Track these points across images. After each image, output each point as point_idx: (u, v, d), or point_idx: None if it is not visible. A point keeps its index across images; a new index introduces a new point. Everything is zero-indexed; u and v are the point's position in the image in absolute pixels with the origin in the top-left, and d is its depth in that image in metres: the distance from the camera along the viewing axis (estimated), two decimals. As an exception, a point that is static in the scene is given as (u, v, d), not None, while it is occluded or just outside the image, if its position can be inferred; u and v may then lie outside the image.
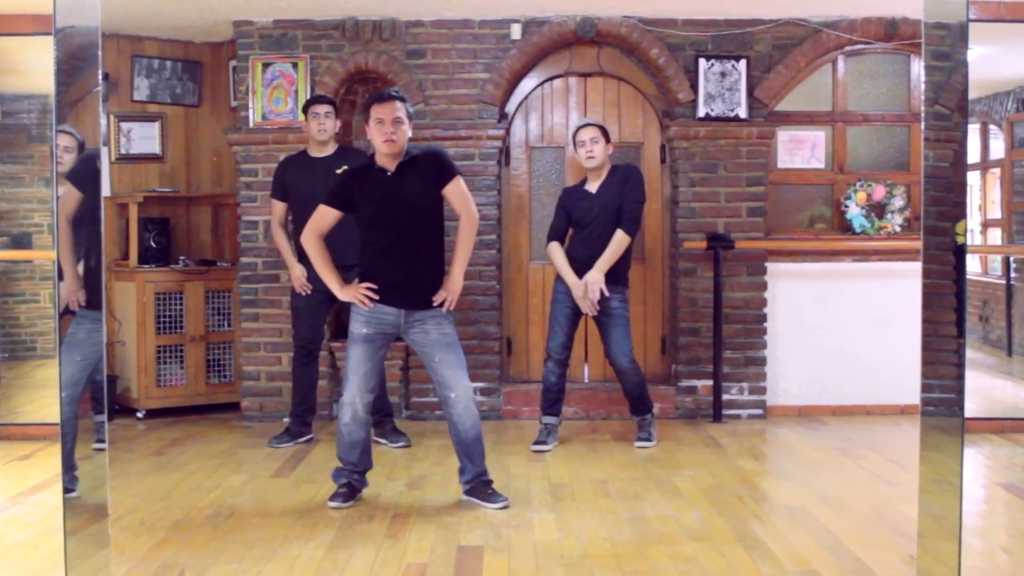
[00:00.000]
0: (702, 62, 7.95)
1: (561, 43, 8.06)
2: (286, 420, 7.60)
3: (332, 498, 5.66)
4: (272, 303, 7.95)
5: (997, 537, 5.30)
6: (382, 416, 7.14)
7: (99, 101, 3.77)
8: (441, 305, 5.62)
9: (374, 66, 7.95)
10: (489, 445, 5.92)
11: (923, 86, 3.82)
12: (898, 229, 8.09)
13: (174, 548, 4.90)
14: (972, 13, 3.68)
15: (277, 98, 7.93)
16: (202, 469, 6.48)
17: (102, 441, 4.16)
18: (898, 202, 8.08)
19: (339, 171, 6.48)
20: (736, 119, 7.95)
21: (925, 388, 3.70)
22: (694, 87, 7.95)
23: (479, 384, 7.75)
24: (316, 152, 7.17)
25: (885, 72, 8.27)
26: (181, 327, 8.18)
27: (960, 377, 3.70)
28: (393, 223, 5.52)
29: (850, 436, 7.40)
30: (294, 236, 7.08)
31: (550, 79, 8.23)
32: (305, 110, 7.21)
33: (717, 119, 7.95)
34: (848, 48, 8.11)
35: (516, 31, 7.94)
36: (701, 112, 7.96)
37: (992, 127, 8.55)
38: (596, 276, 6.81)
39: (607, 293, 6.83)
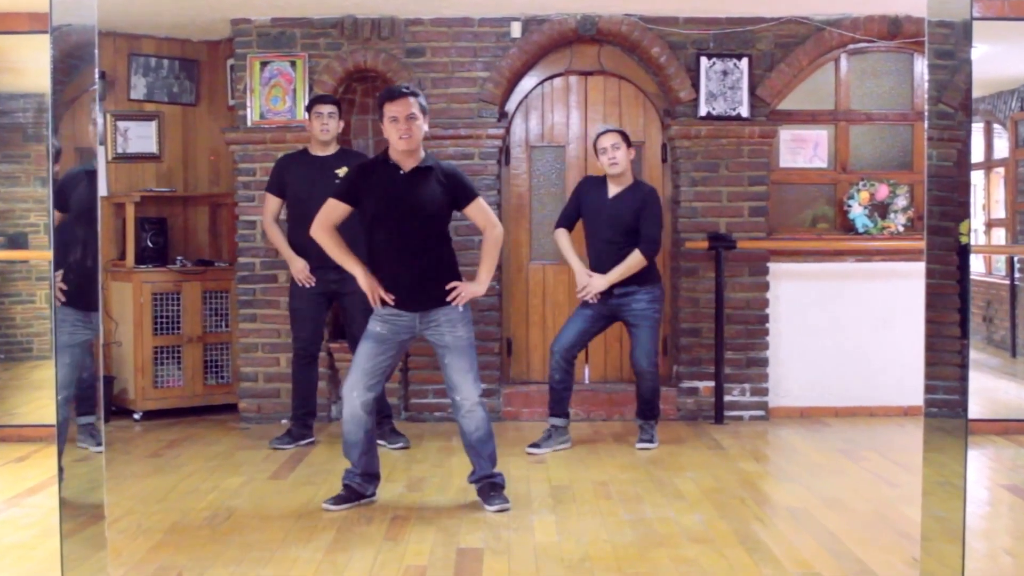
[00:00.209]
0: (703, 60, 7.92)
1: (561, 41, 8.03)
2: (284, 421, 7.60)
3: (328, 499, 5.65)
4: (270, 304, 7.90)
5: (1000, 539, 5.29)
6: (381, 417, 7.04)
7: (96, 100, 3.80)
8: (453, 299, 5.57)
9: (373, 65, 7.91)
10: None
11: (926, 85, 3.83)
12: (901, 229, 8.07)
13: (171, 550, 4.87)
14: (976, 11, 3.65)
15: (275, 97, 7.89)
16: (199, 471, 6.44)
17: (99, 443, 4.13)
18: (901, 202, 8.06)
19: (339, 171, 6.41)
20: (738, 118, 7.93)
21: (928, 389, 3.72)
22: (695, 86, 7.92)
23: (481, 387, 7.68)
24: (317, 151, 7.12)
25: (888, 71, 8.25)
26: (178, 328, 8.15)
27: (964, 378, 3.72)
28: (399, 223, 5.50)
29: (853, 437, 7.38)
30: (288, 234, 7.07)
31: (550, 78, 8.20)
32: (308, 109, 7.17)
33: (719, 118, 7.92)
34: (851, 46, 8.08)
35: (516, 29, 7.91)
36: (702, 111, 7.93)
37: (996, 126, 8.52)
38: (600, 284, 6.88)
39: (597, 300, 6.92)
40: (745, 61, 7.91)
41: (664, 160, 8.16)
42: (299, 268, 7.01)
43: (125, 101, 8.49)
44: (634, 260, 6.84)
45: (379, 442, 6.92)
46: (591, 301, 6.93)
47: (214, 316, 8.31)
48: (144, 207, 8.28)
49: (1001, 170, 8.52)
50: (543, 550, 4.88)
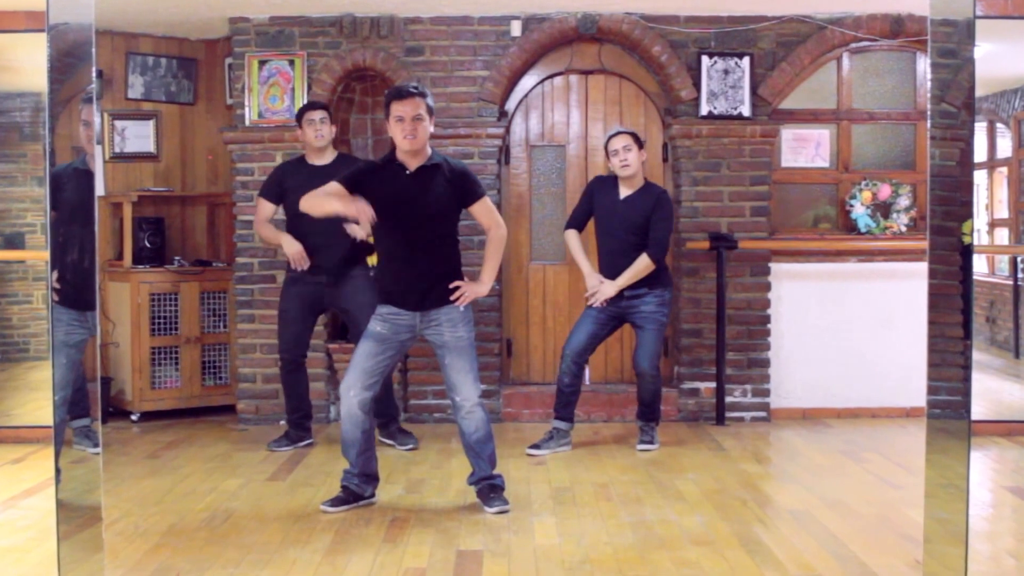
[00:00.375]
0: (705, 59, 7.90)
1: (562, 40, 8.00)
2: (283, 423, 7.57)
3: (326, 501, 5.63)
4: (268, 304, 7.86)
5: (1004, 541, 5.28)
6: (388, 419, 7.09)
7: (93, 99, 3.83)
8: (457, 299, 5.55)
9: (372, 64, 7.89)
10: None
11: (929, 84, 3.82)
12: (904, 229, 8.05)
13: (169, 553, 4.85)
14: (979, 10, 3.69)
15: (273, 96, 7.87)
16: (197, 473, 6.42)
17: (96, 445, 4.10)
18: (904, 201, 8.05)
19: None
20: (739, 117, 7.91)
21: (931, 390, 3.74)
22: (697, 85, 7.90)
23: (481, 388, 7.65)
24: (315, 159, 7.03)
25: (890, 69, 8.23)
26: (176, 328, 8.11)
27: (967, 379, 3.72)
28: (405, 223, 5.48)
29: (855, 439, 7.36)
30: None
31: (550, 77, 8.18)
32: (299, 118, 7.08)
33: (720, 117, 7.90)
34: (853, 45, 8.05)
35: (516, 28, 7.88)
36: (704, 110, 7.90)
37: (999, 125, 8.52)
38: (609, 291, 6.88)
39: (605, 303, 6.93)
40: (746, 60, 7.88)
41: (665, 160, 8.13)
42: (296, 250, 6.88)
43: (122, 100, 8.47)
44: (642, 264, 6.84)
45: (388, 442, 7.04)
46: (599, 307, 6.91)
47: (212, 317, 8.28)
48: (141, 207, 8.26)
49: (1004, 170, 8.52)
50: (543, 552, 4.86)
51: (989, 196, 8.64)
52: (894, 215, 8.03)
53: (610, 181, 7.04)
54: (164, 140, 8.60)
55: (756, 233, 7.94)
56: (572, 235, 7.09)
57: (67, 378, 4.48)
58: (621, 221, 6.89)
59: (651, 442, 7.04)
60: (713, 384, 7.89)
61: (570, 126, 8.18)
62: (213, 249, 8.75)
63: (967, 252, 3.85)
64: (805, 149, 8.22)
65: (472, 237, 7.53)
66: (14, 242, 7.97)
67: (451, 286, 5.54)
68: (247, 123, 7.89)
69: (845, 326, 8.04)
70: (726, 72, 7.88)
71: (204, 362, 8.23)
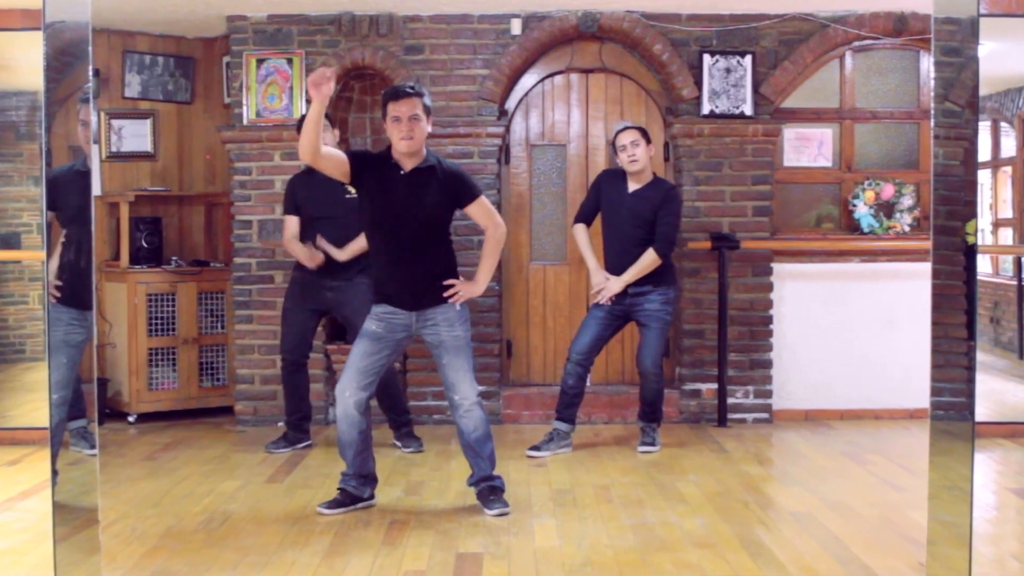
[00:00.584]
0: (706, 58, 7.87)
1: (562, 38, 7.97)
2: (281, 424, 7.55)
3: (323, 503, 5.61)
4: (266, 305, 7.85)
5: (1008, 544, 5.27)
6: (400, 421, 7.11)
7: (90, 98, 3.94)
8: (451, 296, 5.53)
9: (371, 62, 7.86)
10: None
11: (933, 82, 3.83)
12: (907, 229, 8.04)
13: (166, 555, 4.84)
14: (983, 8, 3.71)
15: (272, 95, 7.84)
16: (195, 475, 6.41)
17: (92, 446, 4.09)
18: (907, 201, 8.03)
19: (350, 188, 6.28)
20: (741, 116, 7.88)
21: (935, 391, 3.72)
22: (698, 83, 7.88)
23: (479, 387, 7.62)
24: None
25: (894, 68, 8.22)
26: (173, 329, 8.08)
27: (970, 380, 3.70)
28: (398, 224, 5.45)
29: (858, 440, 7.35)
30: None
31: (551, 75, 8.15)
32: (299, 128, 7.02)
33: (722, 116, 7.88)
34: (856, 44, 8.03)
35: (516, 26, 7.85)
36: (705, 109, 7.88)
37: (1003, 124, 8.53)
38: (616, 287, 6.87)
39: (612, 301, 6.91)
40: (748, 58, 7.86)
41: (666, 159, 8.11)
42: (307, 254, 6.86)
43: (119, 99, 8.44)
44: (648, 259, 6.82)
45: (398, 444, 7.07)
46: (606, 304, 6.89)
47: (209, 317, 8.25)
48: (139, 207, 8.22)
49: (1008, 169, 8.54)
50: (543, 555, 4.84)
51: (993, 196, 8.66)
52: (897, 215, 8.01)
53: (618, 175, 7.02)
54: (161, 139, 8.58)
55: (758, 233, 7.91)
56: (580, 229, 7.08)
57: (68, 378, 4.49)
58: (629, 215, 6.88)
59: (652, 444, 7.02)
60: (715, 385, 7.87)
61: (571, 125, 8.15)
62: (211, 249, 8.72)
63: (971, 252, 3.84)
64: (808, 148, 8.20)
65: (472, 237, 7.52)
66: (10, 242, 7.96)
67: (446, 283, 5.52)
68: (245, 122, 7.85)
69: (848, 327, 8.01)
70: (728, 71, 7.86)
71: (202, 363, 8.21)
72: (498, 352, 8.00)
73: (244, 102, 7.85)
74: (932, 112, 3.83)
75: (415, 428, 7.18)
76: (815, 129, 8.18)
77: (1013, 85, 8.26)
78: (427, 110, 5.47)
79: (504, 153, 8.11)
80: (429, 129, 5.51)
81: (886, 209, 8.03)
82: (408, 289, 5.50)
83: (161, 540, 5.06)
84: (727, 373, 7.83)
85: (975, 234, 3.85)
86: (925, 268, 3.89)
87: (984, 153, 8.65)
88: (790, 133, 8.16)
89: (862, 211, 8.01)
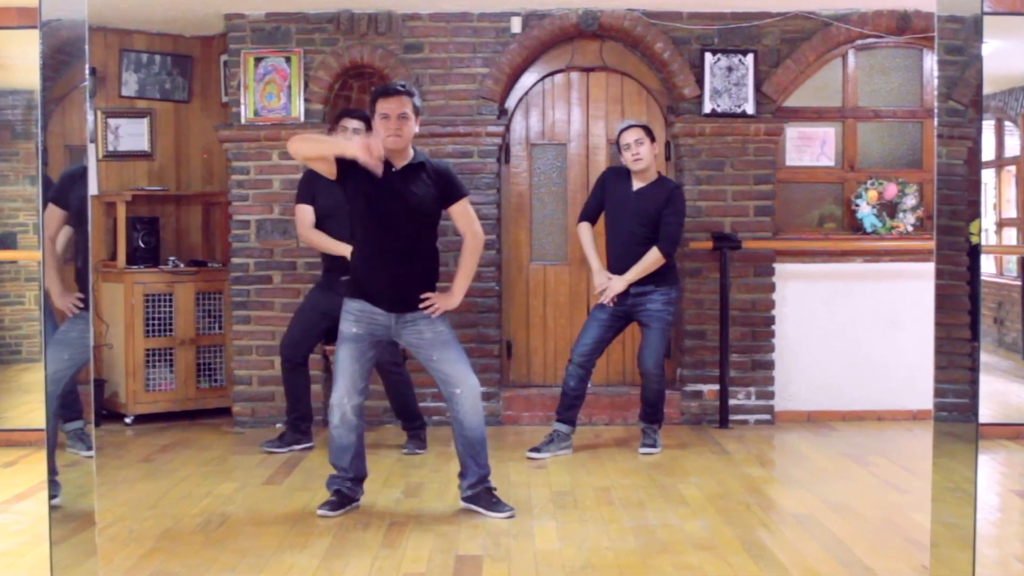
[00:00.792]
0: (708, 56, 7.85)
1: (562, 37, 7.95)
2: (279, 425, 7.56)
3: (322, 506, 5.57)
4: (264, 305, 7.84)
5: (1012, 546, 5.24)
6: (414, 427, 7.10)
7: (86, 97, 3.81)
8: (427, 309, 5.51)
9: (370, 60, 7.84)
10: (488, 451, 5.81)
11: (936, 81, 3.87)
12: (910, 229, 8.01)
13: (163, 558, 4.83)
14: (987, 6, 3.68)
15: (270, 93, 7.81)
16: (192, 476, 6.40)
17: (89, 448, 4.14)
18: (910, 201, 8.01)
19: None
20: (743, 115, 7.86)
21: (938, 393, 3.72)
22: (700, 82, 7.86)
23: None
24: None
25: (897, 67, 8.19)
26: (171, 330, 8.05)
27: (974, 381, 3.71)
28: (388, 221, 5.43)
29: (861, 442, 7.35)
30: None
31: (551, 74, 8.13)
32: (336, 120, 7.01)
33: (723, 115, 7.86)
34: (859, 42, 8.01)
35: (516, 24, 7.84)
36: (707, 108, 7.86)
37: (1007, 123, 8.50)
38: (619, 286, 6.85)
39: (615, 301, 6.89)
40: (750, 57, 7.84)
41: (667, 158, 8.08)
42: (336, 243, 6.70)
43: (116, 98, 8.43)
44: (652, 258, 6.80)
45: (404, 448, 7.07)
46: (608, 305, 6.86)
47: (207, 318, 8.23)
48: (135, 206, 8.19)
49: (1012, 168, 8.52)
50: (544, 557, 4.83)
51: (997, 195, 8.64)
52: (900, 215, 7.99)
53: (623, 173, 7.00)
54: (158, 138, 8.56)
55: (760, 233, 7.89)
56: (585, 228, 7.06)
57: (64, 374, 4.56)
58: (633, 213, 6.86)
59: (653, 445, 7.00)
60: (716, 386, 7.85)
61: (571, 124, 8.12)
62: (208, 249, 8.70)
63: (975, 252, 3.86)
64: (810, 147, 8.17)
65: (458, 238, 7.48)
66: (6, 242, 7.94)
67: (422, 296, 5.49)
68: (243, 121, 7.82)
69: (851, 327, 7.99)
70: (730, 69, 7.83)
71: (199, 364, 8.18)
72: (498, 353, 7.98)
73: (242, 101, 7.82)
74: (935, 111, 3.84)
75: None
76: (817, 128, 8.16)
77: (1017, 84, 8.22)
78: (416, 109, 5.47)
79: (504, 152, 8.08)
80: (417, 129, 5.50)
81: (889, 209, 8.01)
82: (392, 288, 5.45)
83: (158, 542, 5.04)
84: (729, 374, 7.81)
85: (979, 234, 3.89)
86: (928, 268, 3.95)
87: (988, 152, 8.62)
88: (792, 132, 8.13)
89: (865, 211, 7.98)
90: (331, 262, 6.80)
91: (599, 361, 7.42)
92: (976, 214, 3.95)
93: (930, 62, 8.05)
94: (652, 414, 7.04)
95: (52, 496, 3.84)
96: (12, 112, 7.92)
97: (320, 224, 6.81)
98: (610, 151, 7.97)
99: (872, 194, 7.97)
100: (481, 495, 5.57)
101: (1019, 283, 8.44)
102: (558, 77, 8.13)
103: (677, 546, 4.96)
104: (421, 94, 7.75)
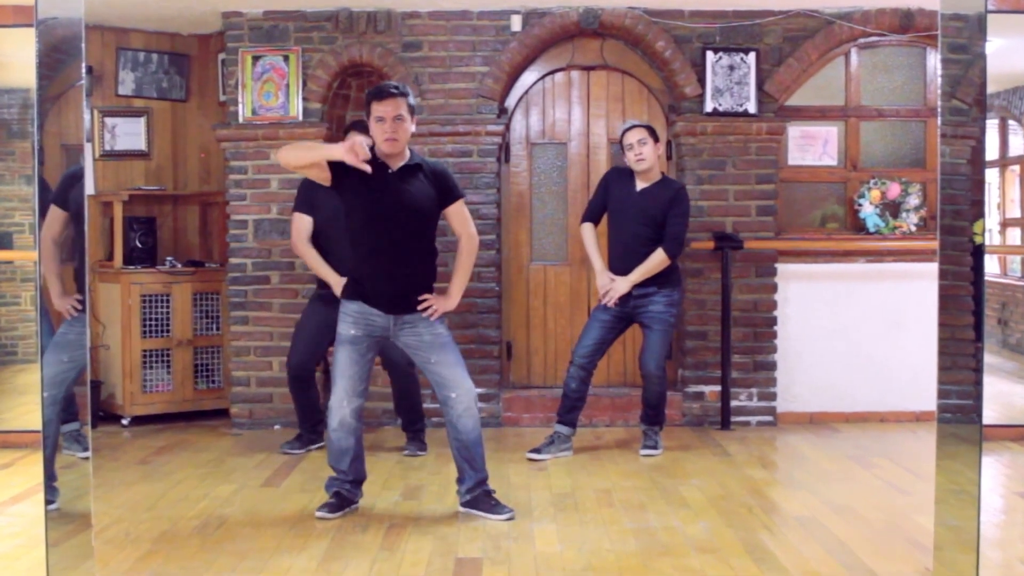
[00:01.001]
0: (710, 55, 7.82)
1: (563, 35, 7.93)
2: (277, 427, 7.60)
3: (320, 508, 5.55)
4: (262, 306, 7.81)
5: (1016, 548, 5.23)
6: (415, 428, 7.07)
7: (82, 95, 3.86)
8: (425, 310, 5.48)
9: (368, 59, 7.81)
10: (488, 453, 5.82)
11: (940, 80, 3.88)
12: (913, 229, 8.00)
13: (161, 560, 4.82)
14: (990, 4, 3.72)
15: (267, 92, 7.79)
16: (190, 478, 6.39)
17: (86, 449, 4.17)
18: (913, 200, 8.00)
19: None
20: (745, 114, 7.84)
21: (942, 394, 3.74)
22: (701, 81, 7.83)
23: (477, 390, 7.54)
24: None
25: (900, 65, 8.17)
26: (168, 331, 8.02)
27: (978, 382, 3.73)
28: (387, 222, 5.40)
29: (864, 444, 7.33)
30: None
31: (552, 73, 8.10)
32: (344, 132, 6.98)
33: (725, 114, 7.84)
34: (862, 40, 8.00)
35: (516, 22, 7.81)
36: (708, 107, 7.84)
37: (1011, 122, 8.50)
38: (623, 287, 6.81)
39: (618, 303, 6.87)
40: (752, 55, 7.81)
41: (669, 157, 8.05)
42: (340, 283, 6.67)
43: (113, 97, 8.42)
44: (657, 259, 6.77)
45: (405, 450, 7.04)
46: (612, 306, 6.84)
47: (204, 318, 8.20)
48: (132, 206, 8.17)
49: (1016, 168, 8.54)
50: (544, 560, 4.81)
51: (1001, 195, 8.66)
52: (903, 214, 7.97)
53: (626, 173, 6.97)
54: (155, 138, 8.55)
55: (762, 233, 7.87)
56: (588, 228, 7.02)
57: (64, 377, 4.60)
58: (636, 213, 6.83)
59: (655, 447, 6.99)
60: (718, 388, 7.83)
61: (572, 123, 8.09)
62: (206, 249, 8.68)
63: (978, 252, 3.92)
64: (812, 147, 8.15)
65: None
66: (1, 242, 7.97)
67: (420, 298, 5.47)
68: (240, 120, 7.80)
69: (853, 328, 7.98)
70: (731, 68, 7.81)
71: (196, 365, 8.15)
72: (498, 354, 7.95)
73: (240, 100, 7.79)
74: (939, 110, 3.84)
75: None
76: (820, 127, 8.13)
77: (1021, 83, 8.22)
78: (411, 110, 5.45)
79: (504, 152, 8.06)
80: (413, 129, 5.50)
81: (892, 208, 7.99)
82: (390, 289, 5.43)
83: (155, 545, 5.02)
84: (730, 375, 7.80)
85: (982, 234, 3.90)
86: (932, 268, 4.01)
87: (992, 152, 8.62)
88: (794, 131, 8.11)
89: (868, 210, 7.96)
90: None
91: (600, 362, 7.39)
92: (980, 214, 3.97)
93: (933, 60, 8.03)
94: (653, 416, 7.02)
95: (49, 502, 3.84)
96: (8, 111, 7.92)
97: (320, 234, 6.77)
98: (611, 151, 7.96)
99: (875, 194, 7.95)
100: (480, 498, 5.55)
101: (1023, 283, 8.43)
102: (559, 76, 8.10)
103: (678, 548, 4.94)
104: (420, 93, 7.74)
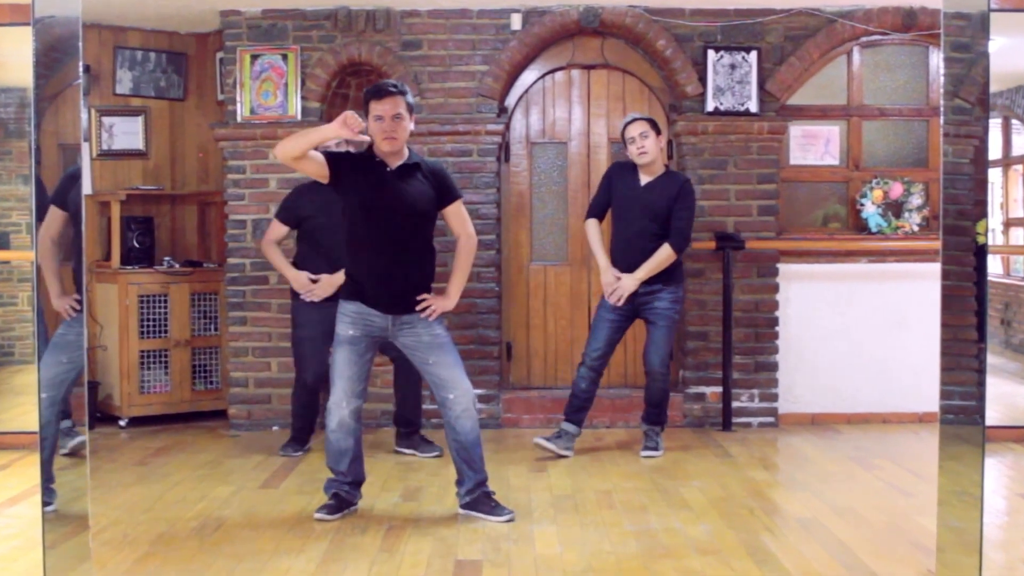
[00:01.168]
0: (711, 54, 7.80)
1: (563, 34, 7.91)
2: (276, 428, 7.59)
3: (319, 510, 5.54)
4: (261, 306, 7.79)
5: (1019, 550, 5.23)
6: (413, 428, 7.06)
7: (80, 95, 3.89)
8: (423, 310, 5.47)
9: (367, 58, 7.79)
10: (488, 454, 5.82)
11: (942, 79, 3.82)
12: (916, 228, 7.98)
13: (158, 562, 4.81)
14: (993, 2, 3.71)
15: (266, 91, 7.77)
16: (187, 480, 6.38)
17: (83, 450, 4.14)
18: (916, 200, 7.98)
19: None
20: (746, 113, 7.81)
21: (944, 395, 3.71)
22: (702, 80, 7.80)
23: (477, 391, 7.53)
24: None
25: (902, 64, 8.14)
26: (165, 331, 8.00)
27: (981, 383, 3.69)
28: (385, 221, 5.39)
29: (865, 445, 7.32)
30: (299, 263, 6.93)
31: (552, 72, 8.08)
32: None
33: (726, 113, 7.81)
34: (864, 39, 7.98)
35: (516, 21, 7.79)
36: (710, 106, 7.81)
37: (1014, 122, 8.52)
38: (630, 284, 6.78)
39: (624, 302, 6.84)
40: (754, 54, 7.79)
41: (670, 157, 8.01)
42: (302, 281, 6.82)
43: (110, 96, 8.39)
44: (664, 255, 6.75)
45: (409, 452, 7.04)
46: (620, 305, 6.81)
47: (202, 319, 8.18)
48: (130, 206, 8.15)
49: (1019, 167, 8.60)
50: (544, 562, 4.80)
51: (1004, 194, 8.70)
52: (906, 214, 7.95)
53: (629, 167, 6.95)
54: (153, 137, 8.52)
55: (764, 233, 7.85)
56: (592, 225, 6.99)
57: (63, 378, 4.56)
58: (641, 208, 6.80)
59: (656, 448, 6.97)
60: (719, 389, 7.81)
61: (572, 122, 8.06)
62: (204, 249, 8.66)
63: (981, 252, 3.83)
64: (814, 146, 8.13)
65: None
66: (-1, 242, 7.91)
67: (418, 298, 5.45)
68: (239, 119, 7.78)
69: (855, 329, 7.96)
70: (733, 67, 7.78)
71: (194, 366, 8.13)
72: (498, 355, 7.92)
73: (238, 99, 7.77)
74: (941, 109, 3.80)
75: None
76: (822, 126, 8.11)
77: (1024, 82, 8.21)
78: (410, 109, 5.44)
79: (504, 151, 8.03)
80: (412, 127, 5.48)
81: (894, 208, 7.97)
82: (389, 289, 5.41)
83: (153, 546, 5.01)
84: (732, 376, 7.78)
85: (985, 234, 3.94)
86: (934, 269, 4.03)
87: (995, 151, 8.66)
88: (796, 131, 8.09)
89: (870, 210, 7.94)
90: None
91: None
92: (983, 213, 3.99)
93: (936, 59, 8.02)
94: (655, 415, 7.00)
95: (47, 503, 3.82)
96: (5, 110, 7.93)
97: (315, 247, 6.78)
98: (612, 150, 7.94)
99: (877, 193, 7.93)
100: (479, 500, 5.53)
101: (1026, 283, 8.46)
102: (559, 75, 8.07)
103: (679, 550, 4.92)
104: (419, 92, 7.72)
